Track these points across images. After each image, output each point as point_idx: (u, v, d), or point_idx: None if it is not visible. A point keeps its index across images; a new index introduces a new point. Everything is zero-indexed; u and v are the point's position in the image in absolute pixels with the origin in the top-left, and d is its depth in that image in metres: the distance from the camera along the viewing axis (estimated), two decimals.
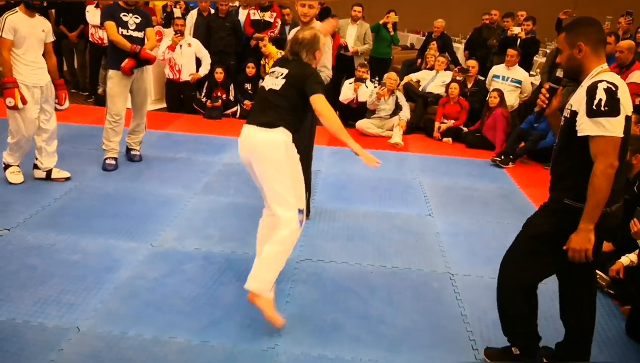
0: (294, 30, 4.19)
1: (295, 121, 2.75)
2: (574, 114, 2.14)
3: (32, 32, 4.05)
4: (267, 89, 2.76)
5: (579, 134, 2.10)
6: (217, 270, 3.28)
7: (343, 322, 2.85)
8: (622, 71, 5.35)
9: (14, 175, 4.31)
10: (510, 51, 6.68)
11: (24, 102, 4.03)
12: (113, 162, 4.84)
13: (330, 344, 2.67)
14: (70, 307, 2.81)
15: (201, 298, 2.97)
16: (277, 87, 2.71)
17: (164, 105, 7.40)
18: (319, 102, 2.63)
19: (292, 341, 2.67)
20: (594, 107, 2.04)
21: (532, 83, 7.03)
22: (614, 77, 2.10)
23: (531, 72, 7.65)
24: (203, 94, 7.12)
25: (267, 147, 2.66)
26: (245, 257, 3.45)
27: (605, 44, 2.25)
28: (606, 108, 2.02)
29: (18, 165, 4.34)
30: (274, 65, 2.87)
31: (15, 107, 4.00)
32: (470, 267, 3.53)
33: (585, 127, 2.07)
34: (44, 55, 4.22)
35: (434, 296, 3.18)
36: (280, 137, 2.67)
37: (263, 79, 6.00)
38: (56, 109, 4.33)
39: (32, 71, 4.10)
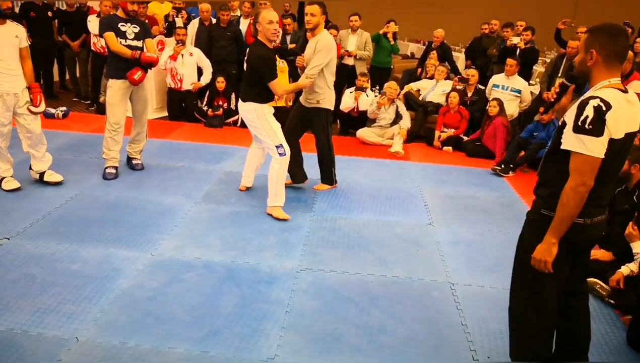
0: (313, 40, 4.32)
1: (258, 93, 4.05)
2: (564, 124, 2.13)
3: (4, 39, 4.10)
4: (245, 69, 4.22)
5: (562, 146, 2.10)
6: (218, 279, 3.27)
7: (343, 332, 2.84)
8: (621, 81, 5.35)
9: (9, 183, 4.36)
10: (510, 61, 6.70)
11: None
12: (113, 171, 4.84)
13: (331, 354, 2.66)
14: (69, 316, 2.80)
15: (201, 308, 2.96)
16: (246, 70, 4.21)
17: (166, 113, 7.43)
18: (274, 87, 4.03)
19: (292, 351, 2.66)
20: (579, 122, 2.02)
21: (531, 92, 7.04)
22: (613, 95, 2.04)
23: (531, 82, 7.67)
24: (204, 103, 7.14)
25: (244, 114, 4.18)
26: (245, 266, 3.45)
27: (623, 58, 2.14)
28: (590, 126, 2.00)
29: (12, 176, 4.39)
30: None
31: None
32: (471, 276, 3.52)
33: (569, 141, 2.07)
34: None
35: (435, 305, 3.17)
36: (250, 107, 4.08)
37: None
38: (31, 111, 4.29)
39: (5, 79, 4.14)
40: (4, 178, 4.35)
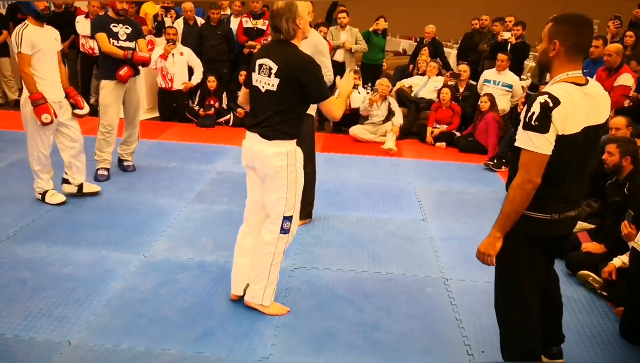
0: (306, 43, 4.16)
1: (295, 126, 2.69)
2: (519, 121, 2.11)
3: (48, 43, 3.96)
4: (263, 90, 2.63)
5: (515, 143, 2.08)
6: (211, 279, 3.26)
7: (338, 330, 2.83)
8: (611, 74, 5.38)
9: (55, 196, 4.18)
10: (501, 56, 6.72)
11: (56, 116, 3.93)
12: (105, 173, 4.81)
13: (326, 352, 2.65)
14: (61, 320, 2.78)
15: (195, 309, 2.95)
16: (274, 88, 2.59)
17: (157, 114, 7.39)
18: (328, 108, 2.67)
19: (287, 350, 2.65)
20: (527, 119, 2.00)
21: (522, 87, 7.05)
22: (565, 90, 2.00)
23: (522, 76, 7.69)
24: (196, 103, 7.11)
25: (267, 160, 2.65)
26: None
27: (585, 51, 2.12)
28: (536, 123, 1.97)
29: (53, 188, 4.21)
30: (257, 57, 2.70)
31: (51, 123, 3.89)
32: (465, 271, 3.52)
33: (519, 137, 2.05)
34: None
35: (429, 301, 3.16)
36: (281, 149, 2.64)
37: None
38: (77, 115, 4.20)
39: (51, 87, 4.00)
40: (47, 191, 4.17)
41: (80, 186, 4.32)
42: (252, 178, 2.85)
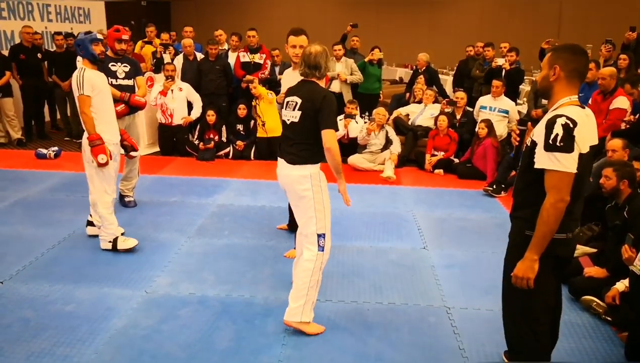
0: (287, 72, 4.26)
1: (316, 152, 2.94)
2: (534, 144, 2.19)
3: (104, 85, 4.03)
4: (288, 122, 3.00)
5: (535, 166, 2.16)
6: (213, 314, 3.25)
7: (340, 362, 2.82)
8: (606, 97, 5.46)
9: (127, 242, 4.08)
10: (495, 82, 6.82)
11: (110, 158, 3.94)
12: None
13: None
14: (64, 359, 2.77)
15: (197, 344, 2.94)
16: (296, 120, 2.93)
17: (157, 149, 7.47)
18: (329, 137, 2.85)
19: None
20: (550, 141, 2.09)
21: (519, 111, 7.14)
22: (576, 112, 2.13)
23: (518, 101, 7.78)
24: (195, 137, 7.19)
25: (291, 184, 2.97)
26: (240, 299, 3.43)
27: (583, 76, 2.25)
28: (561, 144, 2.07)
29: (123, 233, 4.14)
30: (287, 95, 3.06)
31: (106, 164, 3.89)
32: (467, 299, 3.51)
33: (542, 159, 2.13)
34: None
35: (432, 331, 3.15)
36: (305, 172, 2.93)
37: (255, 120, 6.06)
38: (131, 157, 4.28)
39: (110, 128, 4.03)
40: (117, 237, 4.06)
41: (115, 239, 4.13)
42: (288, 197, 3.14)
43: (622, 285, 3.25)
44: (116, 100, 4.65)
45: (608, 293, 3.25)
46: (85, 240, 4.28)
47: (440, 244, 4.43)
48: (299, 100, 2.92)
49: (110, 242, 4.07)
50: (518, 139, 2.54)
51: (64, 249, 4.11)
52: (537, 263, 2.18)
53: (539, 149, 2.13)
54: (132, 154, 4.28)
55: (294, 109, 2.94)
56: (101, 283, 3.60)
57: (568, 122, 2.08)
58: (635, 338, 2.89)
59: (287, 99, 3.02)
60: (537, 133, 2.17)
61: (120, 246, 4.06)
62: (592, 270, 3.56)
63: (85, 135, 3.96)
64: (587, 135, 2.13)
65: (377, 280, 3.76)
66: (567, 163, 2.08)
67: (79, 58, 7.20)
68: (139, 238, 4.32)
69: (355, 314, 3.30)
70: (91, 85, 3.89)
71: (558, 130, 2.08)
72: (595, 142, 2.20)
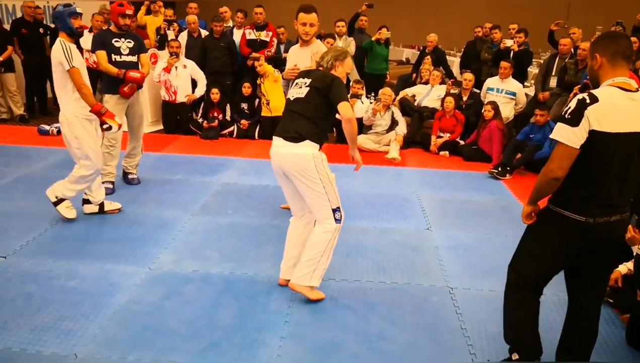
0: (293, 48, 4.22)
1: (318, 130, 2.97)
2: None
3: (82, 61, 3.99)
4: (292, 98, 3.02)
5: (550, 136, 2.27)
6: (216, 291, 3.26)
7: (343, 340, 2.83)
8: None
9: (69, 210, 4.14)
10: (503, 64, 6.73)
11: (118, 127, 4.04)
12: (110, 186, 4.84)
13: (330, 362, 2.65)
14: (67, 333, 2.79)
15: (200, 321, 2.95)
16: (302, 95, 2.95)
17: (161, 127, 7.44)
18: (346, 109, 2.88)
19: (292, 361, 2.65)
20: (562, 113, 2.16)
21: (526, 94, 7.07)
22: (607, 92, 2.11)
23: (526, 83, 7.70)
24: (199, 115, 7.16)
25: (295, 162, 2.91)
26: (244, 277, 3.44)
27: (628, 57, 2.19)
28: (569, 116, 2.11)
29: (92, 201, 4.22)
30: (297, 78, 3.12)
31: (120, 126, 4.06)
32: (470, 280, 3.51)
33: (555, 130, 2.18)
34: None
35: (434, 310, 3.16)
36: (307, 151, 2.92)
37: (260, 99, 6.16)
38: (103, 130, 4.20)
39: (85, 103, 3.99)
40: (63, 199, 4.10)
41: (102, 205, 4.30)
42: (282, 181, 3.14)
43: (624, 267, 3.24)
44: (121, 81, 4.63)
45: (611, 276, 3.23)
46: (88, 216, 4.28)
47: (444, 225, 4.42)
48: (309, 80, 2.98)
49: (57, 197, 4.11)
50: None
51: (67, 226, 4.12)
52: (528, 209, 2.36)
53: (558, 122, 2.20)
54: (111, 129, 4.12)
55: (301, 87, 2.99)
56: (104, 259, 3.60)
57: (586, 97, 2.09)
58: (637, 321, 2.89)
59: (297, 80, 3.06)
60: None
61: (60, 209, 4.11)
62: None
63: (62, 115, 3.95)
64: (617, 116, 2.08)
65: (380, 260, 3.76)
66: (568, 135, 2.11)
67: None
68: (142, 216, 4.34)
69: (358, 293, 3.31)
70: (77, 58, 3.87)
71: (572, 104, 2.12)
72: (637, 128, 2.11)
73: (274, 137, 3.04)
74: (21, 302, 3.06)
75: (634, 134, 2.11)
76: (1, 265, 3.47)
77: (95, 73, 7.11)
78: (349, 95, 6.92)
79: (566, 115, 2.12)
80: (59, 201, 4.12)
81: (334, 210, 2.98)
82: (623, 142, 2.11)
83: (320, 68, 3.11)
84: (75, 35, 3.98)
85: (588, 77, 2.37)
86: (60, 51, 3.81)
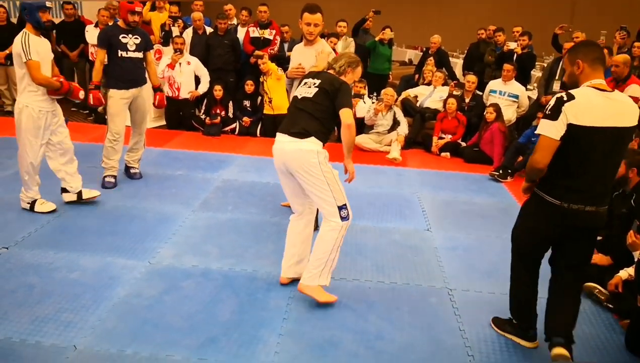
0: (296, 47, 4.21)
1: (324, 129, 2.99)
2: None
3: (46, 54, 4.00)
4: (300, 97, 3.02)
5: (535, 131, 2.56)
6: (215, 287, 3.28)
7: (341, 338, 2.84)
8: (619, 85, 5.39)
9: (44, 205, 4.18)
10: (507, 66, 6.74)
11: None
12: (112, 180, 4.86)
13: (328, 360, 2.66)
14: (67, 325, 2.80)
15: (199, 316, 2.97)
16: (310, 95, 2.97)
17: (164, 122, 7.45)
18: (348, 115, 2.91)
19: (290, 358, 2.66)
20: (544, 110, 2.45)
21: (529, 97, 7.07)
22: (583, 91, 2.39)
23: (528, 86, 7.70)
24: (202, 111, 7.17)
25: (300, 158, 2.90)
26: (243, 273, 3.45)
27: (604, 61, 2.48)
28: (549, 112, 2.40)
29: (40, 197, 4.22)
30: (305, 77, 3.13)
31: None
32: (469, 281, 3.52)
33: (539, 125, 2.47)
34: None
35: (432, 311, 3.17)
36: (312, 147, 2.91)
37: (262, 97, 6.20)
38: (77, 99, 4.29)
39: (46, 96, 4.02)
40: (36, 200, 4.17)
41: (80, 193, 4.33)
42: (283, 178, 3.13)
43: (625, 273, 3.24)
44: (129, 71, 4.67)
45: (611, 281, 3.25)
46: (89, 210, 4.30)
47: (444, 227, 4.43)
48: (318, 81, 3.00)
49: (28, 203, 4.18)
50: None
51: (68, 218, 4.13)
52: (527, 186, 2.63)
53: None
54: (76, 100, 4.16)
55: (310, 87, 3.00)
56: (105, 252, 3.62)
57: (563, 95, 2.38)
58: (637, 327, 2.89)
59: (306, 80, 3.08)
60: None
61: (38, 209, 4.15)
62: (596, 258, 3.55)
63: (21, 102, 3.96)
64: (592, 112, 2.34)
65: (379, 259, 3.77)
66: (548, 128, 2.39)
67: (87, 27, 7.22)
68: (143, 210, 4.35)
69: (357, 292, 3.32)
70: (36, 51, 3.87)
71: (552, 101, 2.41)
72: (622, 124, 2.38)
73: (277, 134, 3.03)
74: (22, 293, 3.08)
75: (611, 128, 2.36)
76: (3, 256, 3.48)
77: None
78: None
79: (547, 111, 2.41)
80: (32, 204, 4.17)
81: (340, 208, 2.95)
82: (601, 138, 2.36)
83: (331, 71, 3.13)
84: (42, 29, 3.99)
85: (566, 83, 2.61)
86: (19, 44, 3.85)
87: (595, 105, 2.34)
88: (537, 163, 2.44)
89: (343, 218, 2.98)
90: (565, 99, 2.35)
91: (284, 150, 2.96)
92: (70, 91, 4.05)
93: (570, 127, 2.34)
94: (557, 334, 2.59)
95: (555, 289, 2.70)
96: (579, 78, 2.46)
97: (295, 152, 2.91)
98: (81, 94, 4.07)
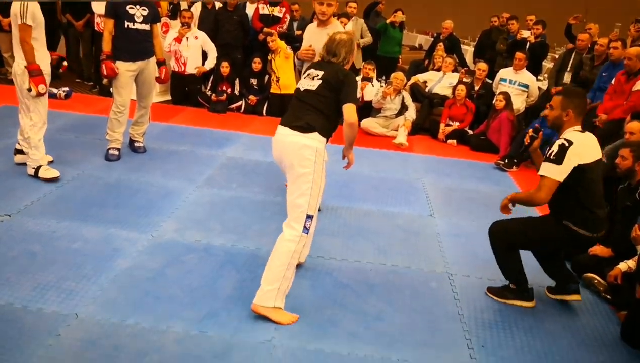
0: (309, 27, 4.15)
1: (328, 125, 2.82)
2: None
3: (42, 18, 3.98)
4: (302, 89, 2.85)
5: (538, 172, 2.91)
6: (217, 262, 3.28)
7: (340, 318, 2.85)
8: (630, 78, 5.32)
9: (48, 171, 4.17)
10: (518, 55, 6.66)
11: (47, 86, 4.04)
12: (116, 152, 4.85)
13: (327, 339, 2.68)
14: (69, 293, 2.82)
15: (200, 290, 2.98)
16: (314, 88, 2.80)
17: (169, 97, 7.41)
18: (351, 111, 2.75)
19: (289, 335, 2.68)
20: (547, 154, 2.84)
21: (539, 88, 7.00)
22: (575, 135, 2.84)
23: (539, 77, 7.63)
24: (208, 88, 7.13)
25: (297, 151, 2.71)
26: (245, 250, 3.46)
27: (585, 113, 3.02)
28: (553, 158, 2.79)
29: (51, 161, 4.28)
30: (309, 68, 2.96)
31: (45, 93, 4.01)
32: (470, 268, 3.53)
33: (542, 168, 2.86)
34: None
35: (432, 295, 3.18)
36: (313, 143, 2.71)
37: (269, 75, 6.10)
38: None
39: (44, 59, 4.04)
40: (41, 166, 4.16)
41: (38, 168, 4.19)
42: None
43: (625, 265, 3.24)
44: (136, 41, 4.64)
45: (610, 272, 3.25)
46: (93, 181, 4.30)
47: (448, 213, 4.42)
48: (321, 73, 2.83)
49: (34, 168, 4.16)
50: (529, 139, 3.30)
51: (71, 188, 4.14)
52: (508, 203, 3.08)
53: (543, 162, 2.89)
54: (30, 91, 3.96)
55: (313, 79, 2.84)
56: (108, 224, 3.62)
57: (564, 142, 2.79)
58: (634, 318, 2.90)
59: (309, 70, 2.92)
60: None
61: (41, 175, 4.14)
62: (597, 249, 3.54)
63: (17, 65, 3.96)
64: (587, 150, 2.83)
65: (381, 242, 3.77)
66: (554, 172, 2.79)
67: None
68: (147, 184, 4.35)
69: (358, 273, 3.33)
70: (32, 15, 3.87)
71: (555, 147, 2.81)
72: (599, 155, 2.92)
73: (279, 126, 2.85)
74: (24, 260, 3.09)
75: (599, 160, 2.91)
76: (6, 223, 3.49)
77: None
78: (360, 78, 6.89)
79: (552, 156, 2.79)
80: (37, 170, 4.17)
81: (308, 217, 2.71)
82: (598, 169, 2.88)
83: (333, 60, 2.89)
84: None
85: (549, 121, 3.00)
86: (18, 6, 3.85)
87: (589, 144, 2.85)
88: (542, 200, 2.84)
89: (305, 229, 2.71)
90: (567, 145, 2.77)
91: (284, 142, 2.77)
92: (35, 73, 3.94)
93: (580, 167, 2.77)
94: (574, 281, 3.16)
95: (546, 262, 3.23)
96: (564, 123, 2.91)
97: (294, 144, 2.72)
98: (41, 88, 3.95)
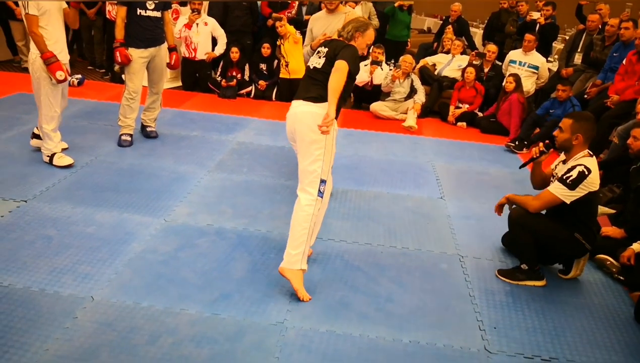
0: (316, 16, 4.10)
1: (339, 103, 2.81)
2: (555, 176, 3.11)
3: (52, 5, 3.95)
4: (311, 67, 2.96)
5: (548, 188, 3.04)
6: (229, 245, 3.32)
7: (352, 300, 2.88)
8: None
9: (62, 159, 4.23)
10: (528, 36, 6.59)
11: (69, 74, 4.04)
12: (129, 138, 4.89)
13: (339, 321, 2.71)
14: (85, 277, 2.87)
15: (213, 273, 3.02)
16: (319, 65, 2.90)
17: (180, 83, 7.43)
18: (342, 65, 2.73)
19: (301, 317, 2.71)
20: (564, 177, 2.95)
21: (549, 69, 6.93)
22: (591, 162, 2.96)
23: (549, 58, 7.54)
24: (218, 73, 7.14)
25: (310, 119, 2.77)
26: (257, 233, 3.49)
27: (593, 138, 3.08)
28: (570, 183, 2.92)
29: (65, 148, 4.34)
30: (320, 46, 3.03)
31: (65, 80, 4.02)
32: (480, 249, 3.53)
33: (553, 186, 3.00)
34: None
35: (443, 277, 3.19)
36: (324, 112, 2.71)
37: (279, 60, 6.04)
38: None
39: (59, 48, 4.03)
40: (55, 153, 4.22)
41: (53, 155, 4.25)
42: (294, 147, 3.01)
43: (638, 246, 3.23)
44: (147, 29, 4.65)
45: (623, 253, 3.24)
46: (106, 167, 4.35)
47: (458, 195, 4.42)
48: (325, 50, 2.93)
49: (48, 156, 4.22)
50: (539, 152, 3.23)
51: (85, 174, 4.18)
52: (504, 203, 3.26)
53: (556, 180, 3.01)
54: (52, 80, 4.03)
55: (320, 57, 2.93)
56: (121, 208, 3.67)
57: (584, 171, 2.92)
58: None
59: (319, 48, 3.01)
60: (561, 170, 3.03)
61: (56, 162, 4.21)
62: (610, 230, 3.54)
63: (35, 54, 3.96)
64: (597, 179, 2.96)
65: (392, 225, 3.79)
66: (564, 194, 2.93)
67: None
68: (159, 169, 4.39)
69: (369, 256, 3.35)
70: (37, 4, 3.85)
71: (574, 174, 2.93)
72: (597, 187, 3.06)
73: (293, 101, 2.93)
74: (40, 244, 3.15)
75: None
76: (21, 209, 3.55)
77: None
78: (369, 61, 6.86)
79: (568, 181, 2.92)
80: (51, 157, 4.22)
81: (322, 181, 2.81)
82: (598, 192, 3.03)
83: (340, 38, 2.98)
84: None
85: (557, 143, 3.10)
86: None
87: (596, 170, 2.97)
88: (534, 210, 3.03)
89: (319, 193, 2.81)
90: (586, 173, 2.90)
91: (296, 113, 2.86)
92: (49, 62, 3.93)
93: (592, 193, 2.95)
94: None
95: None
96: (573, 146, 3.02)
97: (307, 113, 2.80)
98: (59, 75, 3.94)
